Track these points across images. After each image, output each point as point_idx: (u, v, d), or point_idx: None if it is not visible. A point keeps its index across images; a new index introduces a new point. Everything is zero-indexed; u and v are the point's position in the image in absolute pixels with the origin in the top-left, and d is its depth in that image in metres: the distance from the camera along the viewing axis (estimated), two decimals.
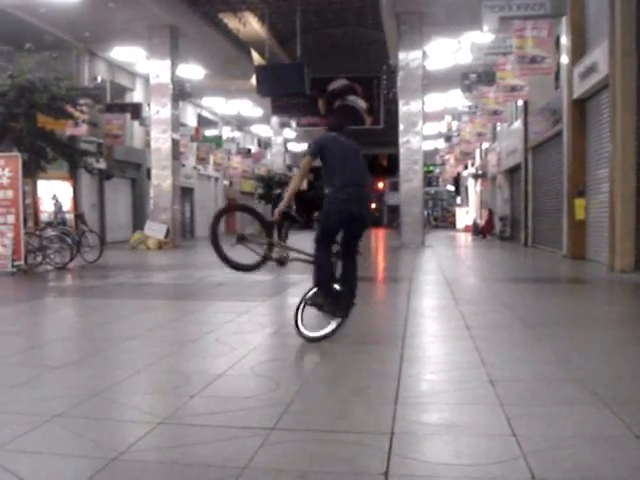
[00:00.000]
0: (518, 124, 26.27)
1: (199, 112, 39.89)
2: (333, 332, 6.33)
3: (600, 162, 15.86)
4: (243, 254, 6.64)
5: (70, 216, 24.14)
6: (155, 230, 25.51)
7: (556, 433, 3.76)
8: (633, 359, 5.73)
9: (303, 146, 56.72)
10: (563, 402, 4.38)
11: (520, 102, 24.50)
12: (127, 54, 27.99)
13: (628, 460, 3.37)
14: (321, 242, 6.32)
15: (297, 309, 6.48)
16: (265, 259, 6.60)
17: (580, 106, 17.28)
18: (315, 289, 6.41)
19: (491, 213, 33.69)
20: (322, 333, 6.34)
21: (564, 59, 18.15)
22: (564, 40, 18.08)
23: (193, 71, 29.92)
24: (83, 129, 21.84)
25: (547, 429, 3.84)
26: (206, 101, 38.27)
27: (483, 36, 21.27)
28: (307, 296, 6.48)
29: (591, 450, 3.50)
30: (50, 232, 16.17)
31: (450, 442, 3.72)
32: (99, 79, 27.87)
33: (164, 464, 3.45)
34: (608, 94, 14.44)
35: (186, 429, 3.96)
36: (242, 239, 6.62)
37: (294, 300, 10.38)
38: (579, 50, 17.01)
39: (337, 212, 6.20)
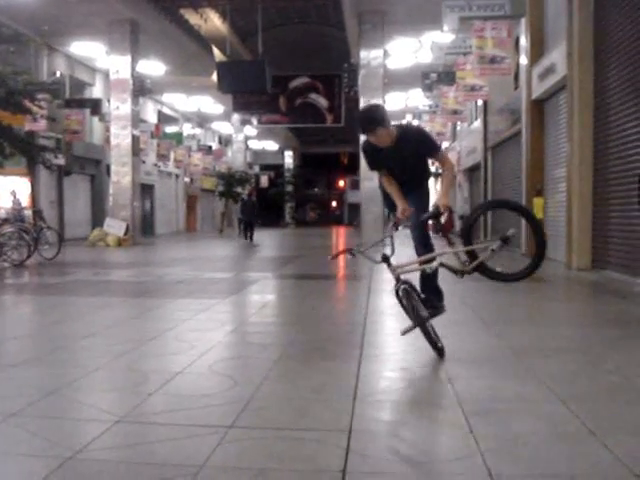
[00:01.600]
0: (478, 124, 26.48)
1: (159, 108, 39.58)
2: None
3: (558, 162, 16.05)
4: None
5: (28, 212, 23.82)
6: (114, 227, 25.28)
7: (513, 430, 3.80)
8: (589, 356, 5.81)
9: (264, 143, 56.56)
10: (520, 400, 4.42)
11: (480, 102, 24.70)
12: (87, 49, 27.63)
13: (583, 456, 3.42)
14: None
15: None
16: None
17: (538, 106, 17.47)
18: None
19: (451, 212, 33.87)
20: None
21: (523, 60, 18.33)
22: (523, 41, 18.26)
23: (153, 67, 29.65)
24: (42, 124, 21.54)
25: (504, 426, 3.88)
26: (166, 97, 37.97)
27: (443, 36, 21.39)
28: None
29: (547, 447, 3.54)
30: (7, 229, 15.94)
31: (408, 439, 3.74)
32: (58, 74, 27.50)
33: (121, 463, 3.42)
34: (566, 95, 14.62)
35: (144, 427, 3.93)
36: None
37: (254, 298, 10.42)
38: (538, 51, 17.20)
39: None
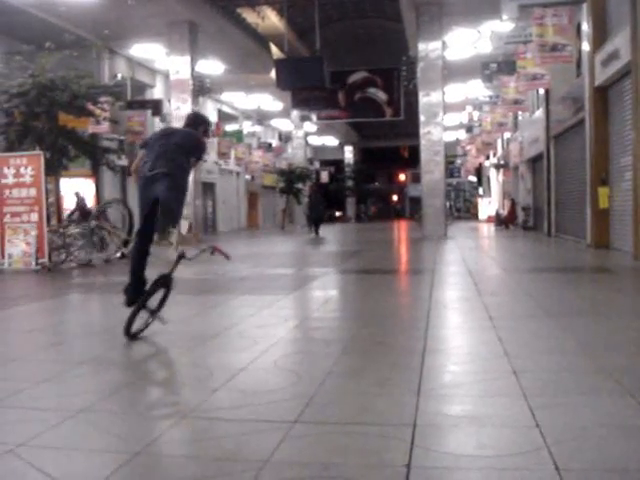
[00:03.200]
0: (539, 113, 26.09)
1: (219, 107, 39.91)
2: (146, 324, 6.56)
3: (623, 150, 15.71)
4: None
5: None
6: None
7: (580, 424, 3.73)
8: None
9: (324, 139, 56.77)
10: (587, 392, 4.35)
11: (541, 91, 24.34)
12: (147, 51, 28.04)
13: None
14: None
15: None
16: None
17: (602, 93, 17.12)
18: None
19: (513, 203, 33.48)
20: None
21: (585, 46, 17.98)
22: (585, 27, 17.91)
23: (212, 66, 29.94)
24: (104, 127, 21.90)
25: (571, 420, 3.81)
26: (226, 96, 38.26)
27: (503, 25, 21.14)
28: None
29: (615, 440, 3.47)
30: (73, 229, 16.26)
31: (473, 434, 3.71)
32: (119, 76, 27.94)
33: (188, 458, 3.47)
34: (630, 81, 14.30)
35: (209, 423, 3.97)
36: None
37: (317, 293, 10.45)
38: (600, 37, 16.84)
39: (140, 199, 6.76)
